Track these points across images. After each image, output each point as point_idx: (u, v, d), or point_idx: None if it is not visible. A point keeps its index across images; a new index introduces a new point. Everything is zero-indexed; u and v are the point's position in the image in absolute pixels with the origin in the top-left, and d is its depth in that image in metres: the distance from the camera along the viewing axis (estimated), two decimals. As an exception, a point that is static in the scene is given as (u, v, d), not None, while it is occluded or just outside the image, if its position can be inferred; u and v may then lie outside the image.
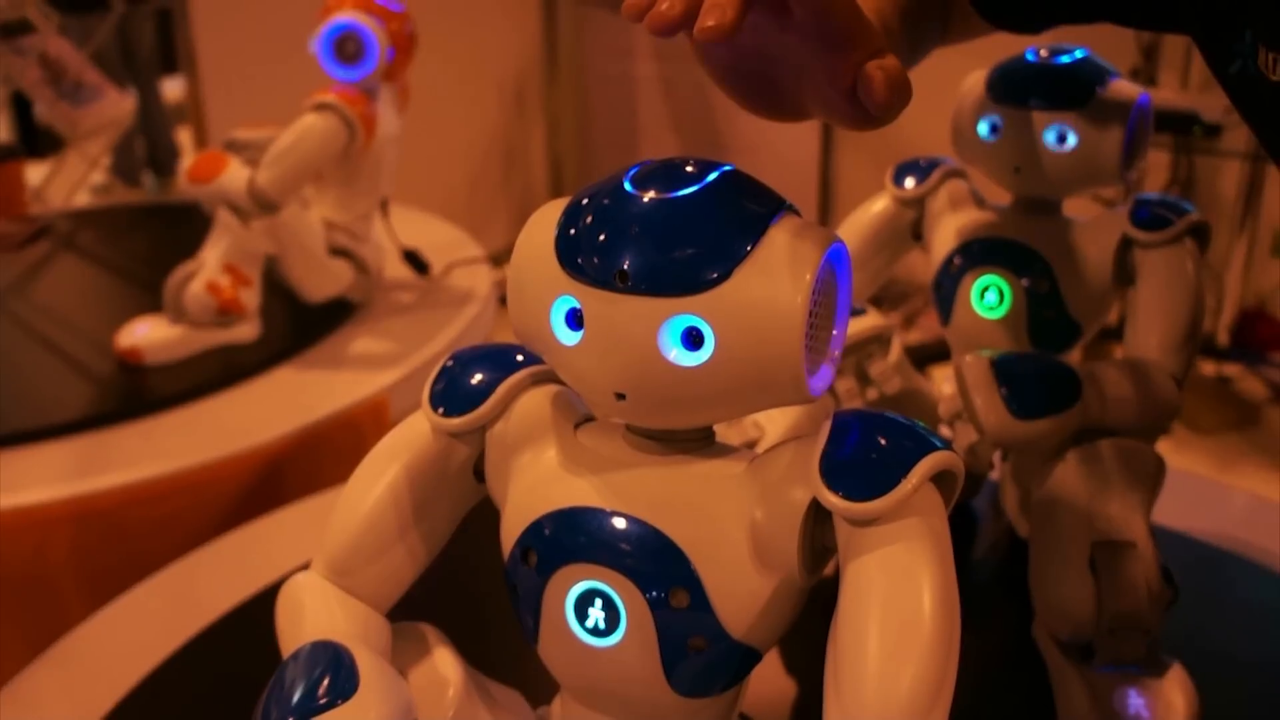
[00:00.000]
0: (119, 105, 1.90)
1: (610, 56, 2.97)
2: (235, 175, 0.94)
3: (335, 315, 1.06)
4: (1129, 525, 0.56)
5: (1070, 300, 0.63)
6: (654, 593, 0.35)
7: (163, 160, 3.36)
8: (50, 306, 1.15)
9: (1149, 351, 0.59)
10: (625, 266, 0.33)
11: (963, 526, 0.74)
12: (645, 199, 0.34)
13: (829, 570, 0.37)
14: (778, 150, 2.84)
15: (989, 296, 0.64)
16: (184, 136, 3.39)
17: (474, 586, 0.62)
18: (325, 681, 0.35)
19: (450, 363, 0.41)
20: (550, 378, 0.41)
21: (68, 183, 2.10)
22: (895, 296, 2.34)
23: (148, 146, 3.31)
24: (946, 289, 0.66)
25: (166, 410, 0.91)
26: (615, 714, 0.39)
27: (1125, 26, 0.56)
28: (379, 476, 0.41)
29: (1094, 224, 0.64)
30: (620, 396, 0.35)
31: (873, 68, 0.38)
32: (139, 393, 0.93)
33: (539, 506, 0.38)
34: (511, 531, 0.38)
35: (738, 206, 0.34)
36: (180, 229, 1.42)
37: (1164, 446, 0.59)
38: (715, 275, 0.33)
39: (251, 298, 0.98)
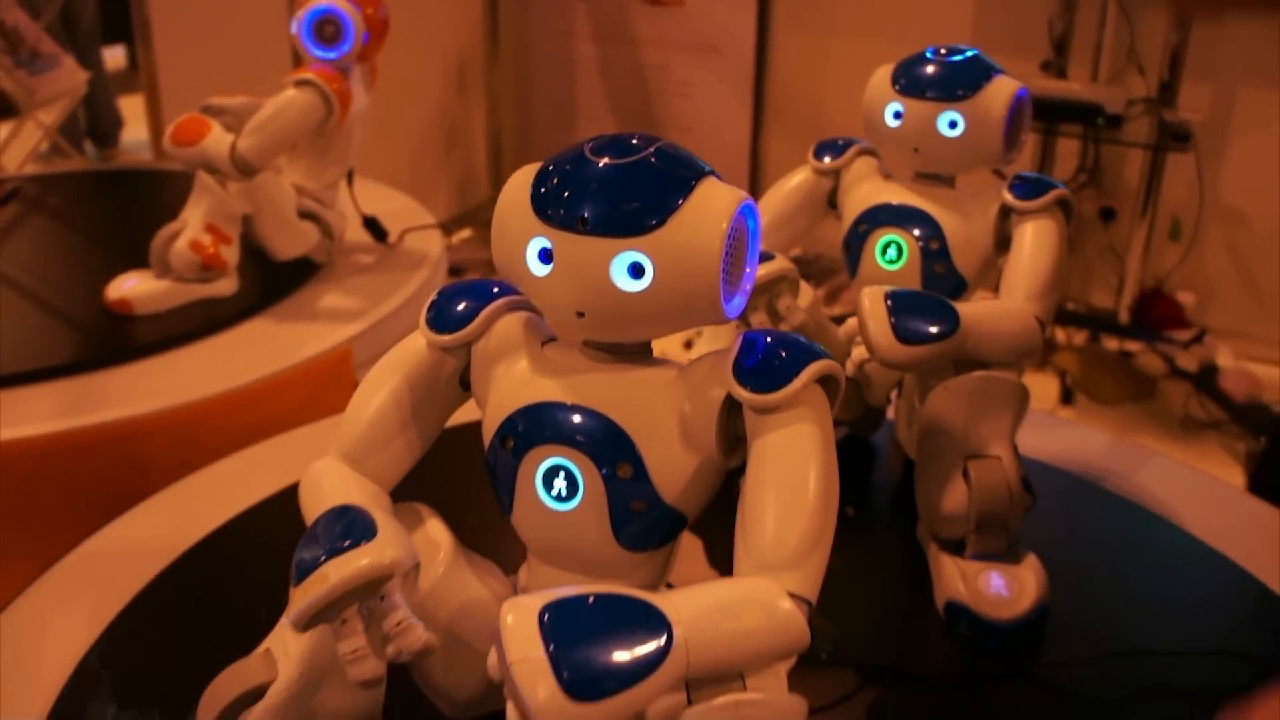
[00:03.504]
0: (74, 75, 1.95)
1: (551, 37, 3.05)
2: (218, 140, 1.03)
3: (301, 274, 1.15)
4: (996, 443, 0.68)
5: (957, 257, 0.75)
6: (605, 466, 0.46)
7: (105, 130, 3.37)
8: (33, 264, 1.22)
9: (1017, 298, 0.70)
10: (585, 214, 0.43)
11: (866, 456, 0.86)
12: (601, 163, 0.44)
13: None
14: (712, 129, 2.96)
15: (890, 252, 0.76)
16: (124, 106, 3.41)
17: (454, 485, 0.72)
18: (348, 531, 0.45)
19: (441, 293, 0.51)
20: (523, 305, 0.51)
21: (23, 150, 2.14)
22: (821, 273, 2.46)
23: (89, 116, 3.33)
24: (854, 247, 0.77)
25: (154, 355, 0.99)
26: (573, 570, 0.49)
27: None
28: (385, 383, 0.51)
29: (979, 195, 0.75)
30: (580, 315, 0.45)
31: None
32: (129, 339, 1.01)
33: (515, 403, 0.48)
34: (492, 424, 0.48)
35: (671, 170, 0.44)
36: (141, 194, 1.50)
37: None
38: (654, 222, 0.43)
39: (231, 254, 1.07)
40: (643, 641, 0.39)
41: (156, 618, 0.65)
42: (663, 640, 0.39)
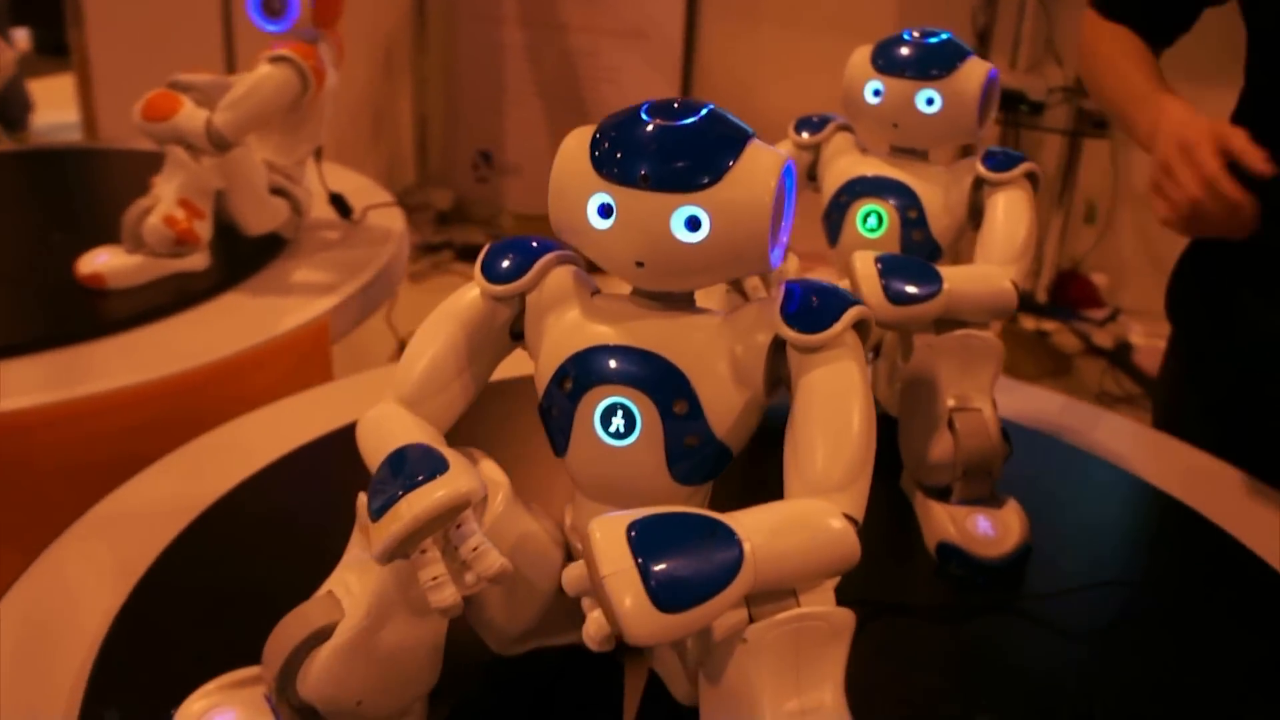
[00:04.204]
0: (2, 55, 1.90)
1: (479, 22, 3.06)
2: (191, 115, 1.03)
3: (271, 249, 1.16)
4: (977, 396, 0.73)
5: (934, 225, 0.80)
6: (662, 403, 0.49)
7: (14, 115, 3.28)
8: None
9: (993, 262, 0.75)
10: (647, 172, 0.47)
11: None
12: (658, 124, 0.48)
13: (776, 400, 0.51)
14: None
15: (870, 220, 0.80)
16: (33, 88, 3.32)
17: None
18: (420, 466, 0.47)
19: (492, 247, 0.54)
20: (570, 259, 0.54)
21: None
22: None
23: (-1, 99, 3.23)
24: (835, 217, 0.82)
25: (131, 329, 0.99)
26: (623, 507, 0.52)
27: None
28: (441, 330, 0.53)
29: (954, 168, 0.80)
30: (640, 265, 0.48)
31: None
32: (103, 314, 1.01)
33: (571, 347, 0.51)
34: (548, 368, 0.52)
35: (723, 131, 0.48)
36: (76, 173, 1.48)
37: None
38: (711, 179, 0.47)
39: (205, 229, 1.07)
40: (720, 556, 0.43)
41: (185, 573, 0.66)
42: (736, 555, 0.43)
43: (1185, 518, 0.78)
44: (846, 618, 0.46)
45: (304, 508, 0.74)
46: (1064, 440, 0.88)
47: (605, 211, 0.48)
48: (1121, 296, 2.54)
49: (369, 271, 1.16)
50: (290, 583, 0.64)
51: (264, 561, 0.68)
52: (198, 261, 1.08)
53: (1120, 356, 2.30)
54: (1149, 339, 2.36)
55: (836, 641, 0.46)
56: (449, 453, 0.48)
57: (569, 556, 0.55)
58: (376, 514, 0.46)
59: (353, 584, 0.51)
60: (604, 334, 0.51)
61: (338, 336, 1.08)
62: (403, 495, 0.46)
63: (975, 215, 0.79)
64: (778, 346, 0.49)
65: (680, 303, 0.51)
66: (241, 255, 1.13)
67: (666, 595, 0.41)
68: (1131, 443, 0.90)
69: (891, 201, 0.80)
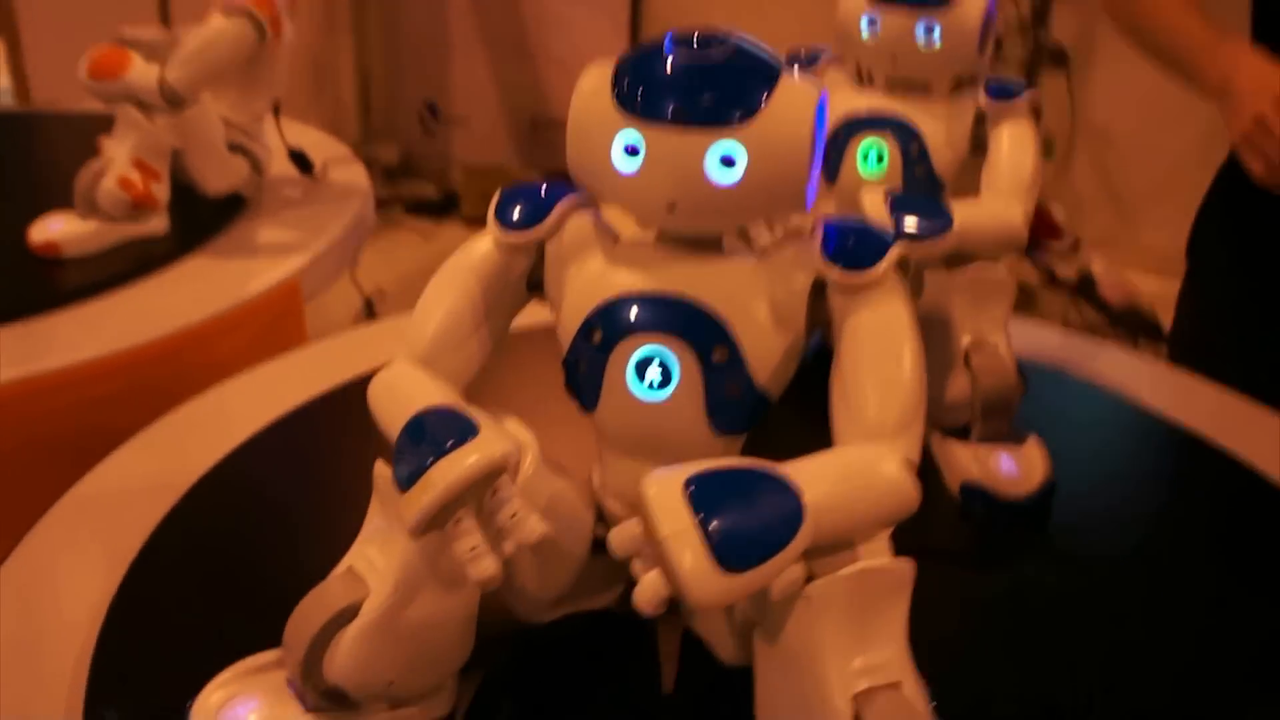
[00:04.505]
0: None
1: (419, -28, 2.97)
2: (143, 72, 0.97)
3: (231, 209, 1.11)
4: (992, 331, 0.71)
5: (936, 160, 0.77)
6: (701, 351, 0.46)
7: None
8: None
9: (1000, 195, 0.73)
10: (679, 107, 0.43)
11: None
12: (687, 57, 0.44)
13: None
14: (585, 61, 2.93)
15: (871, 157, 0.77)
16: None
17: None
18: (448, 430, 0.43)
19: (504, 194, 0.50)
20: (587, 203, 0.51)
21: None
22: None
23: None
24: (833, 156, 0.79)
25: (92, 298, 0.94)
26: (656, 461, 0.49)
27: None
28: (455, 282, 0.50)
29: (955, 100, 0.77)
30: (671, 207, 0.45)
31: None
32: (61, 284, 0.96)
33: (598, 297, 0.48)
34: (573, 320, 0.48)
35: (756, 63, 0.45)
36: (11, 140, 1.40)
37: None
38: (747, 113, 0.44)
39: (162, 191, 1.02)
40: (781, 511, 0.40)
41: (180, 553, 0.63)
42: (797, 508, 0.40)
43: (1200, 450, 0.77)
44: (909, 569, 0.44)
45: (297, 478, 0.71)
46: (1069, 375, 0.87)
47: (632, 152, 0.45)
48: (1079, 229, 2.55)
49: (336, 228, 1.11)
50: (293, 558, 0.62)
51: (262, 537, 0.65)
52: (156, 225, 1.03)
53: (1084, 288, 2.31)
54: (1111, 270, 2.37)
55: (899, 594, 0.44)
56: (477, 414, 0.45)
57: (600, 517, 0.52)
58: (405, 484, 0.43)
59: (376, 558, 0.48)
60: (634, 281, 0.48)
61: (309, 297, 1.04)
62: (433, 463, 0.42)
63: (977, 147, 0.77)
64: (817, 288, 0.47)
65: (710, 245, 0.48)
66: (201, 217, 1.08)
67: (730, 554, 0.39)
68: (1135, 375, 0.89)
69: (892, 137, 0.77)
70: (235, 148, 1.08)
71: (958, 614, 0.60)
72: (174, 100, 0.98)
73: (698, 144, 0.44)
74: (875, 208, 0.68)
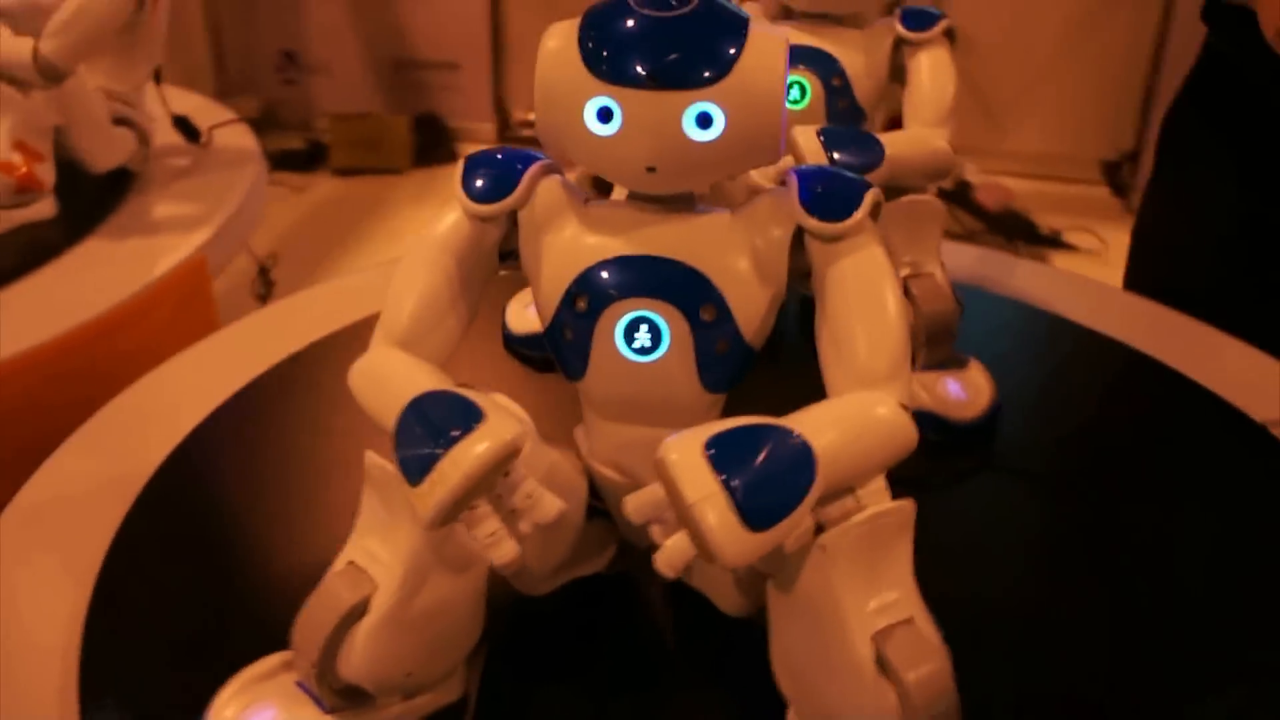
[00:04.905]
0: None
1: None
2: (14, 45, 0.91)
3: (119, 186, 1.06)
4: (928, 260, 0.73)
5: (858, 91, 0.77)
6: (690, 311, 0.47)
7: None
8: None
9: (924, 124, 0.75)
10: (654, 69, 0.43)
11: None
12: (655, 16, 0.44)
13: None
14: (447, 5, 2.86)
15: (794, 92, 0.78)
16: None
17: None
18: (452, 418, 0.43)
19: (470, 162, 0.49)
20: (553, 169, 0.50)
21: None
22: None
23: None
24: (755, 93, 0.79)
25: (-15, 293, 0.89)
26: (645, 423, 0.50)
27: None
28: (428, 259, 0.49)
29: (872, 30, 0.78)
30: (650, 170, 0.45)
31: None
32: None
33: (580, 263, 0.47)
34: (555, 289, 0.48)
35: (725, 17, 0.45)
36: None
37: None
38: (719, 72, 0.43)
39: (48, 173, 0.96)
40: (796, 465, 0.41)
41: (146, 561, 0.60)
42: (810, 461, 0.41)
43: (1135, 361, 0.81)
44: (911, 509, 0.45)
45: (252, 469, 0.69)
46: (987, 291, 0.90)
47: (605, 116, 0.44)
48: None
49: (235, 196, 1.07)
50: (267, 554, 0.60)
51: (230, 534, 0.63)
52: (44, 209, 0.97)
53: (960, 195, 2.38)
54: (983, 176, 2.44)
55: (904, 533, 0.45)
56: (477, 396, 0.44)
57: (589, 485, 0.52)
58: (416, 477, 0.42)
59: (378, 550, 0.47)
60: (614, 245, 0.47)
61: (216, 272, 1.00)
62: (443, 454, 0.42)
63: (896, 75, 0.78)
64: (795, 240, 0.47)
65: (683, 203, 0.48)
66: (90, 196, 1.03)
67: (756, 514, 0.39)
68: (1052, 286, 0.92)
69: (813, 71, 0.77)
70: (119, 120, 1.02)
71: (921, 538, 0.62)
72: (50, 74, 0.92)
73: (674, 105, 0.43)
74: (810, 145, 0.69)
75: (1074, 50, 2.75)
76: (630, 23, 0.44)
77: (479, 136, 3.08)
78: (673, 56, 0.43)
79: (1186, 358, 0.80)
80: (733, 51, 0.44)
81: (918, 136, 0.73)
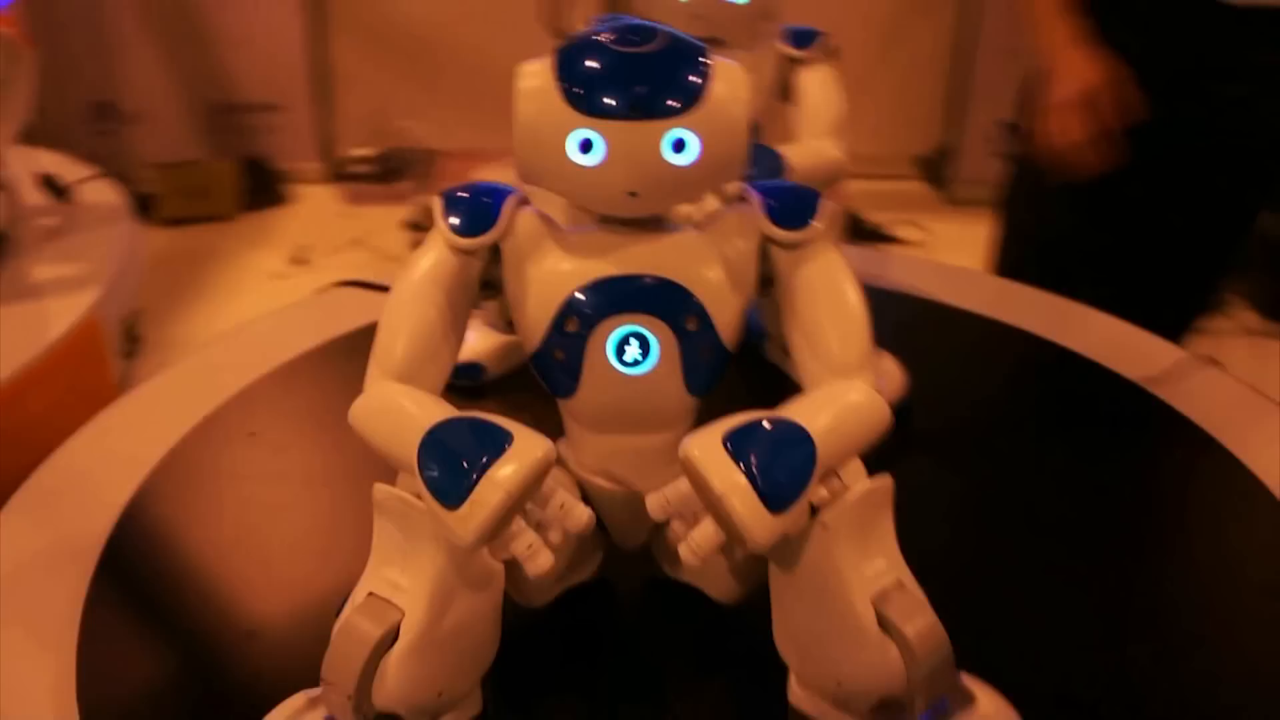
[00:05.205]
0: None
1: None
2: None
3: (-11, 251, 1.02)
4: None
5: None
6: (676, 323, 0.50)
7: None
8: None
9: (818, 136, 0.80)
10: (633, 101, 0.46)
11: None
12: (630, 51, 0.47)
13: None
14: (263, 39, 2.82)
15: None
16: None
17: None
18: (481, 444, 0.45)
19: (448, 198, 0.51)
20: (525, 200, 0.52)
21: None
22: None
23: None
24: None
25: None
26: (629, 431, 0.53)
27: None
28: (419, 293, 0.51)
29: (756, 51, 0.83)
30: (632, 194, 0.48)
31: None
32: None
33: (567, 286, 0.50)
34: (545, 312, 0.50)
35: (691, 49, 0.49)
36: None
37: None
38: (693, 100, 0.47)
39: (-80, 242, 0.92)
40: (800, 451, 0.45)
41: (123, 629, 0.60)
42: (810, 446, 0.45)
43: (1029, 344, 0.88)
44: (890, 483, 0.50)
45: (203, 523, 0.68)
46: (880, 287, 0.96)
47: (586, 147, 0.47)
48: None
49: (116, 253, 1.05)
50: (242, 603, 0.61)
51: (199, 590, 0.62)
52: (-82, 281, 0.93)
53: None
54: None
55: (887, 505, 0.50)
56: (498, 418, 0.47)
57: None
58: (453, 502, 0.44)
59: (398, 578, 0.48)
60: (598, 267, 0.50)
61: (112, 331, 0.98)
62: (480, 477, 0.44)
63: (782, 92, 0.84)
64: (760, 250, 0.52)
65: (652, 224, 0.52)
66: (-41, 265, 0.99)
67: (776, 498, 0.44)
68: (931, 277, 1.00)
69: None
70: (-14, 183, 0.99)
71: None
72: (-82, 142, 0.89)
73: (653, 133, 0.47)
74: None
75: (882, 57, 2.92)
76: (606, 59, 0.47)
77: (307, 177, 3.04)
78: (649, 88, 0.47)
79: (1060, 329, 0.88)
80: (701, 81, 0.48)
81: (814, 148, 0.79)
